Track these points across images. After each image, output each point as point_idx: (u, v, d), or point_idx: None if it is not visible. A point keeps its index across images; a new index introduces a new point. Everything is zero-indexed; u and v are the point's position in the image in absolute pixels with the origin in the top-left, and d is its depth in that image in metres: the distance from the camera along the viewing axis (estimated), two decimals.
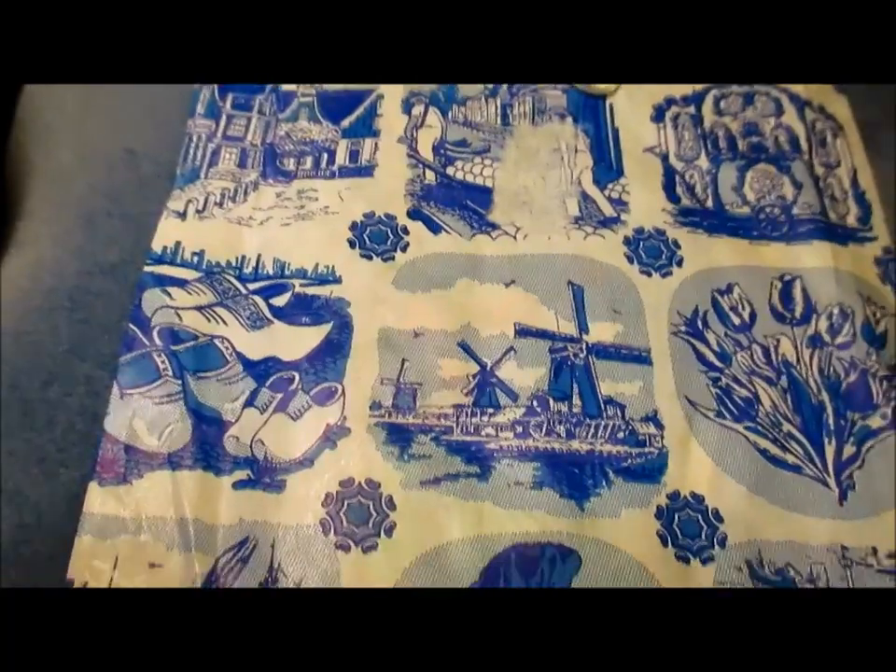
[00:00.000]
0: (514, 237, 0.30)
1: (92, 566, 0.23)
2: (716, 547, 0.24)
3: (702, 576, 0.24)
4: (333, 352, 0.27)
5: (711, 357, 0.28)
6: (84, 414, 0.25)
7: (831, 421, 0.27)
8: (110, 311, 0.27)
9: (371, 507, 0.24)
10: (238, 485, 0.24)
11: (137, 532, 0.23)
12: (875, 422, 0.27)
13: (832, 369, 0.28)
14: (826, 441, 0.27)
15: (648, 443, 0.26)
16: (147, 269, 0.28)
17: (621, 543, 0.24)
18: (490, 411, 0.26)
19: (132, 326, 0.27)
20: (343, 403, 0.26)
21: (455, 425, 0.26)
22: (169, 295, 0.27)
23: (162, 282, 0.28)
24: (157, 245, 0.28)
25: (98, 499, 0.24)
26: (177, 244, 0.28)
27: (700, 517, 0.25)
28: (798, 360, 0.28)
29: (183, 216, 0.29)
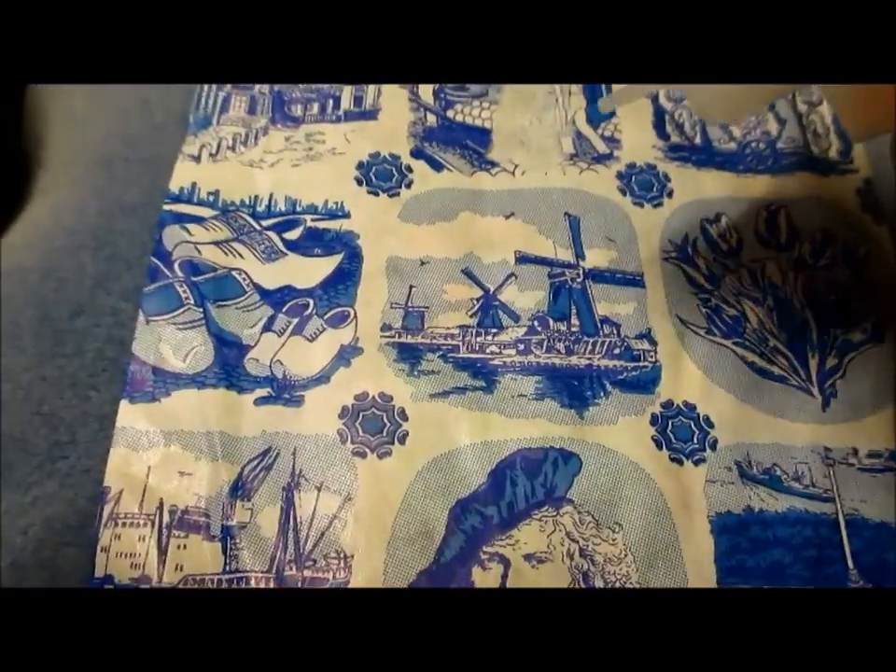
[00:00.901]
0: (513, 173, 0.31)
1: (127, 473, 0.24)
2: (707, 450, 0.26)
3: (694, 475, 0.26)
4: (345, 279, 0.28)
5: (701, 280, 0.29)
6: (112, 342, 0.27)
7: (814, 336, 0.29)
8: (132, 248, 0.28)
9: (385, 417, 0.26)
10: (259, 401, 0.26)
11: (168, 444, 0.25)
12: (856, 336, 0.29)
13: (815, 289, 0.30)
14: (810, 354, 0.28)
15: (642, 358, 0.28)
16: (165, 207, 0.29)
17: (618, 447, 0.26)
18: (494, 331, 0.28)
19: (154, 259, 0.28)
20: (356, 326, 0.27)
21: (461, 343, 0.28)
22: (188, 231, 0.29)
23: (181, 219, 0.29)
24: (174, 186, 0.30)
25: (129, 415, 0.25)
26: (193, 184, 0.30)
27: (692, 423, 0.27)
28: (783, 282, 0.30)
29: (197, 159, 0.31)
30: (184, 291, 0.28)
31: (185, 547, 0.24)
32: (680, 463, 0.26)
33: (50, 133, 0.33)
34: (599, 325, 0.28)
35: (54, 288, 0.28)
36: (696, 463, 0.26)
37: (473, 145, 0.32)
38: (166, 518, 0.24)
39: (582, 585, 0.24)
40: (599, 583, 0.24)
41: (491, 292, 0.29)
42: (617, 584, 0.24)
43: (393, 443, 0.26)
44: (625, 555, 0.24)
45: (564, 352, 0.28)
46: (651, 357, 0.28)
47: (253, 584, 0.24)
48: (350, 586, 0.24)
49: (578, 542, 0.25)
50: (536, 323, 0.28)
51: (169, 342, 0.27)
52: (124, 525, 0.24)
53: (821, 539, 0.25)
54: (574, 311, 0.29)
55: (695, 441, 0.26)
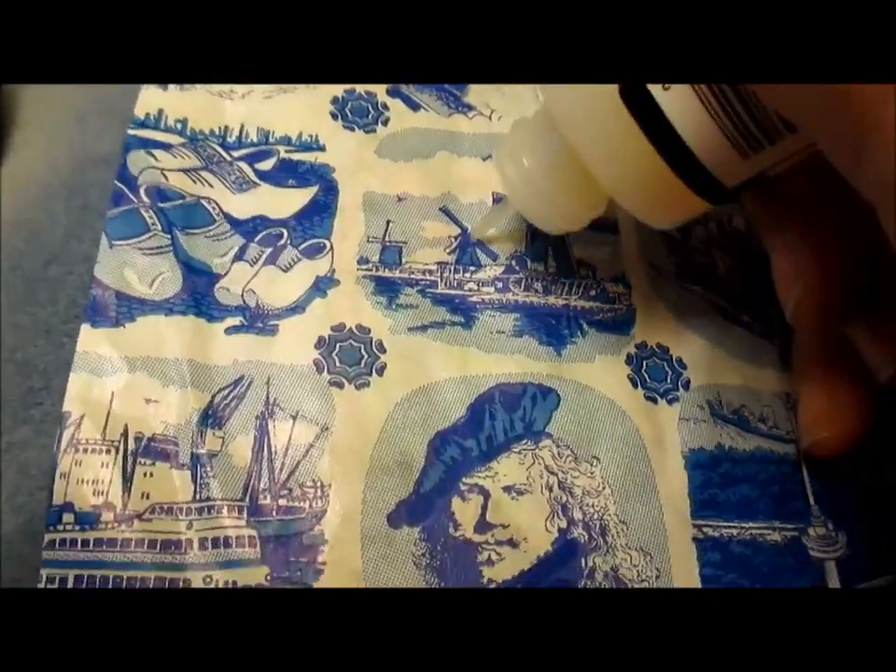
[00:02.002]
0: (489, 118, 0.31)
1: (89, 399, 0.23)
2: (680, 389, 0.27)
3: (668, 413, 0.26)
4: (320, 211, 0.28)
5: (672, 230, 0.30)
6: (85, 290, 0.25)
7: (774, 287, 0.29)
8: (105, 197, 0.27)
9: (363, 349, 0.25)
10: (230, 331, 0.25)
11: (132, 370, 0.24)
12: None
13: None
14: (768, 305, 0.29)
15: (617, 301, 0.28)
16: (130, 132, 0.28)
17: (595, 384, 0.26)
18: (472, 268, 0.28)
19: (118, 183, 0.27)
20: (332, 257, 0.27)
21: (439, 280, 0.27)
22: (154, 157, 0.28)
23: (147, 144, 0.28)
24: (139, 112, 0.28)
25: (91, 340, 0.24)
26: (160, 111, 0.28)
27: (666, 364, 0.27)
28: (749, 234, 0.30)
29: (164, 86, 0.29)
30: (150, 217, 0.26)
31: (151, 475, 0.23)
32: (655, 401, 0.26)
33: (25, 94, 0.32)
34: (576, 267, 0.28)
35: (26, 239, 0.26)
36: (670, 402, 0.26)
37: (450, 87, 0.31)
38: (131, 445, 0.23)
39: (561, 517, 0.24)
40: (578, 515, 0.24)
41: (469, 231, 0.28)
42: (595, 516, 0.24)
43: (371, 374, 0.25)
44: (603, 488, 0.25)
45: (541, 291, 0.28)
46: (626, 300, 0.28)
47: (225, 513, 0.23)
48: (328, 515, 0.23)
49: (556, 475, 0.25)
50: (514, 262, 0.28)
51: (134, 267, 0.25)
52: (85, 451, 0.23)
53: (784, 477, 0.26)
54: (551, 252, 0.29)
55: (669, 381, 0.27)
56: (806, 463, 0.27)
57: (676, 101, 0.19)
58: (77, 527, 0.22)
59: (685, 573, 0.24)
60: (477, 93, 0.32)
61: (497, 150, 0.26)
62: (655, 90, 0.19)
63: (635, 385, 0.26)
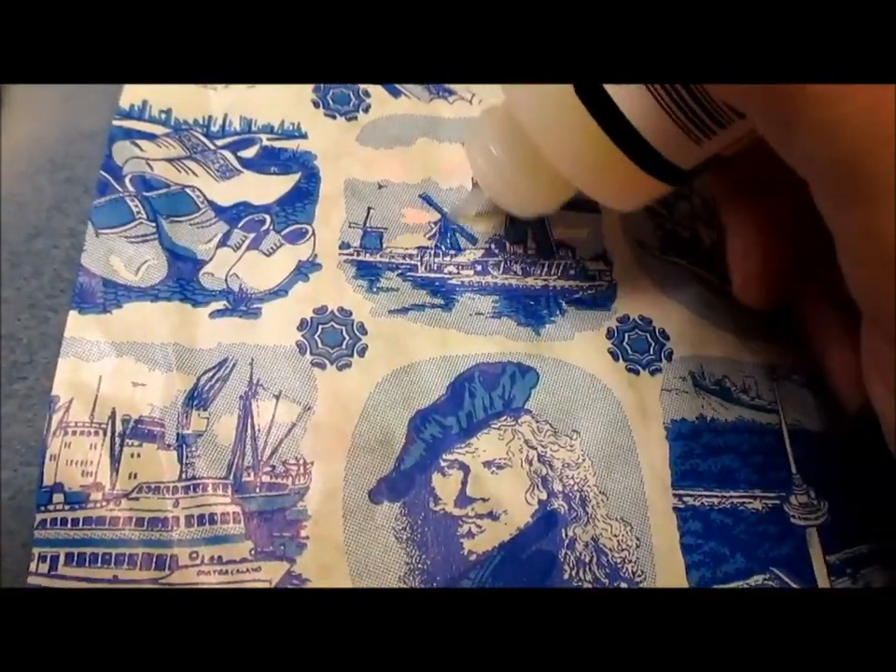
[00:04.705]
0: (470, 102, 0.31)
1: (77, 383, 0.24)
2: (663, 360, 0.27)
3: (650, 384, 0.26)
4: (302, 198, 0.28)
5: (655, 206, 0.30)
6: (70, 264, 0.26)
7: None
8: (90, 171, 0.28)
9: (344, 331, 0.26)
10: (215, 314, 0.26)
11: (119, 355, 0.24)
12: None
13: None
14: None
15: (598, 278, 0.28)
16: (115, 123, 0.28)
17: (575, 360, 0.26)
18: (451, 252, 0.28)
19: (103, 173, 0.27)
20: (314, 242, 0.27)
21: (419, 264, 0.28)
22: (139, 147, 0.28)
23: (131, 135, 0.28)
24: (124, 103, 0.29)
25: (79, 326, 0.25)
26: (144, 102, 0.29)
27: (648, 336, 0.27)
28: None
29: None
30: (135, 206, 0.27)
31: (139, 455, 0.23)
32: (637, 373, 0.26)
33: None
34: (555, 248, 0.29)
35: (10, 212, 0.27)
36: (652, 373, 0.27)
37: None
38: (119, 427, 0.23)
39: (541, 489, 0.24)
40: (558, 487, 0.24)
41: (449, 216, 0.29)
42: (575, 488, 0.25)
43: (352, 356, 0.25)
44: (583, 460, 0.25)
45: (520, 273, 0.28)
46: (607, 276, 0.28)
47: (210, 491, 0.23)
48: (310, 492, 0.23)
49: (536, 449, 0.25)
50: (493, 246, 0.28)
51: (120, 255, 0.26)
52: (74, 433, 0.23)
53: (767, 447, 0.26)
54: (530, 235, 0.29)
55: (651, 352, 0.27)
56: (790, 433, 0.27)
57: (628, 95, 0.20)
58: (67, 507, 0.22)
59: (666, 542, 0.24)
60: None
61: (468, 139, 0.26)
62: (608, 85, 0.20)
63: (616, 359, 0.27)
